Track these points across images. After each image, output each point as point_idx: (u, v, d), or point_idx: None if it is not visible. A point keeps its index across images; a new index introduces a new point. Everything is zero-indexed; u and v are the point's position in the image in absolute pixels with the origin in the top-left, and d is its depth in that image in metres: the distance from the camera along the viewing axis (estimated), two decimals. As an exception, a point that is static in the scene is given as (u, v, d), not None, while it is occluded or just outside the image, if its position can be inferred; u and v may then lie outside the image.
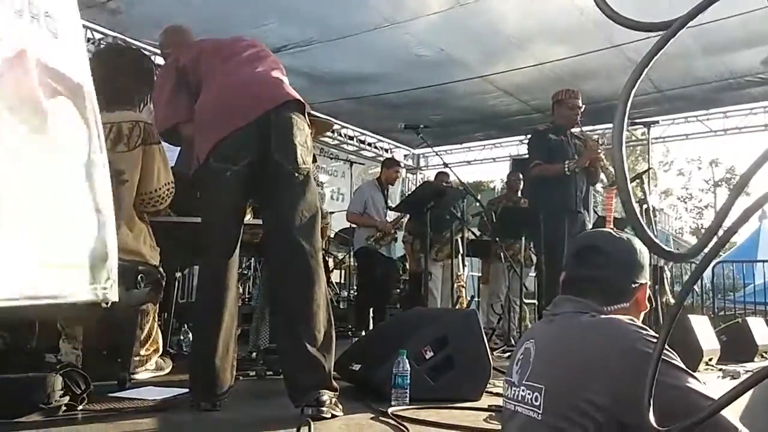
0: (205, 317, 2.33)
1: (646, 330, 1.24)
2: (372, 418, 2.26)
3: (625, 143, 0.79)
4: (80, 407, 2.11)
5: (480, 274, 6.96)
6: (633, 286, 1.38)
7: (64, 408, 2.05)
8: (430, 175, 7.26)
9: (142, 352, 2.85)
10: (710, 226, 0.78)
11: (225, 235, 2.32)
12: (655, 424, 0.80)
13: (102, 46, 4.94)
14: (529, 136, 5.61)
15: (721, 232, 0.75)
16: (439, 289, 6.11)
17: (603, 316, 1.32)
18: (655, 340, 1.17)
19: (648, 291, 1.42)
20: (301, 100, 2.42)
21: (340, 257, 7.41)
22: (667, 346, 1.11)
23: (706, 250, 0.79)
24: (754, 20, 5.52)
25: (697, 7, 0.77)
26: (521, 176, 6.67)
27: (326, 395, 2.13)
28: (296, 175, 2.27)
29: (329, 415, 2.10)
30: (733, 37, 5.92)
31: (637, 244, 1.42)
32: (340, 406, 2.20)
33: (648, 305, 1.42)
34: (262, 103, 2.30)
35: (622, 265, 1.38)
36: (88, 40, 6.40)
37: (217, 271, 2.31)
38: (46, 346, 2.91)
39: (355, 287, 6.43)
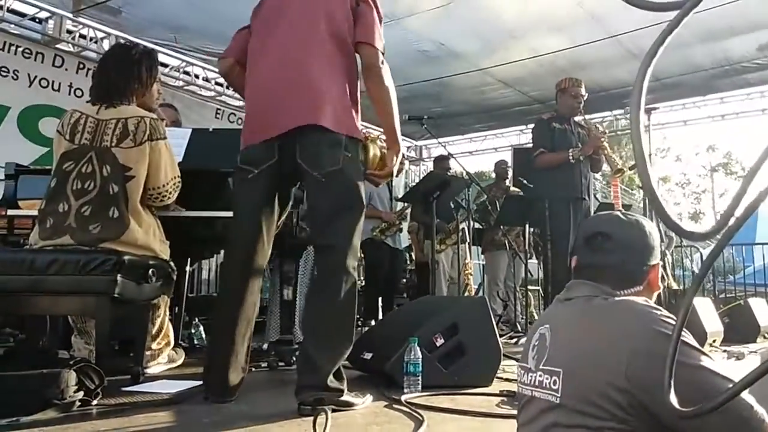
0: (222, 311, 2.36)
1: (661, 311, 1.25)
2: (386, 406, 2.28)
3: (643, 127, 0.81)
4: (94, 402, 2.12)
5: (485, 263, 6.99)
6: (645, 268, 1.39)
7: (78, 403, 2.05)
8: (432, 165, 7.27)
9: (154, 346, 2.87)
10: (727, 208, 0.80)
11: (245, 234, 2.34)
12: (677, 404, 0.82)
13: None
14: (529, 126, 5.64)
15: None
16: (445, 277, 6.14)
17: (619, 299, 1.34)
18: (672, 321, 1.19)
19: (660, 270, 1.43)
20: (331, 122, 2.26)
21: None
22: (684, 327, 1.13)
23: (723, 231, 0.81)
24: (749, 6, 5.54)
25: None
26: (508, 164, 6.70)
27: (322, 395, 2.10)
28: (322, 179, 2.22)
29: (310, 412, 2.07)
30: (729, 23, 5.94)
31: (647, 226, 1.43)
32: (352, 401, 2.21)
33: (661, 285, 1.44)
34: (282, 122, 2.25)
35: (633, 249, 1.39)
36: (91, 39, 6.42)
37: (236, 267, 2.34)
38: (59, 343, 2.94)
39: (362, 278, 6.45)
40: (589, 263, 1.42)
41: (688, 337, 1.21)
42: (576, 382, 1.24)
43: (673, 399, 0.82)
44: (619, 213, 1.52)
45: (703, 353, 1.20)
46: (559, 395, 1.26)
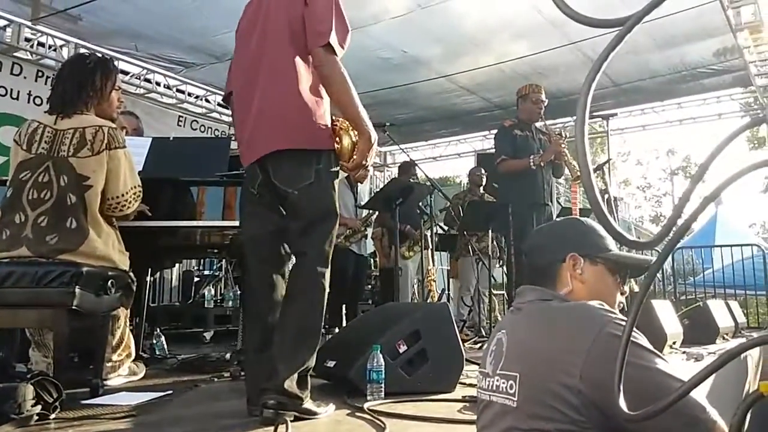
0: (246, 324, 2.45)
1: (614, 313, 1.28)
2: (348, 414, 2.29)
3: (587, 135, 0.84)
4: (53, 416, 2.08)
5: (449, 268, 7.04)
6: (552, 264, 1.42)
7: (36, 417, 2.02)
8: (397, 172, 7.30)
9: (115, 358, 2.83)
10: (671, 215, 0.82)
11: (254, 249, 2.37)
12: (625, 408, 0.84)
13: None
14: (492, 131, 5.72)
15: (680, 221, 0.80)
16: (410, 283, 6.16)
17: (573, 302, 1.37)
18: (623, 323, 1.21)
19: (580, 260, 1.41)
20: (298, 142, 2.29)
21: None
22: (635, 329, 1.16)
23: (668, 238, 0.84)
24: (705, 13, 5.71)
25: (651, 3, 0.82)
26: (483, 171, 6.78)
27: (276, 399, 2.08)
28: (295, 193, 2.25)
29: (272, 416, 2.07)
30: (685, 30, 6.11)
31: (560, 225, 1.49)
32: (312, 408, 2.20)
33: (584, 281, 1.41)
34: (256, 151, 2.31)
35: (535, 250, 1.46)
36: (49, 46, 6.30)
37: (254, 277, 2.37)
38: (16, 356, 2.87)
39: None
40: (530, 269, 1.49)
41: (641, 339, 1.24)
42: (531, 385, 1.26)
43: (623, 403, 0.84)
44: (550, 222, 1.58)
45: (657, 355, 1.22)
46: (515, 399, 1.28)
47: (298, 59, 2.29)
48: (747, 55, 6.65)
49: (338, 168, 2.37)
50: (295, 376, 2.15)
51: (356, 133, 2.33)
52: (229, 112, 8.06)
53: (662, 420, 1.11)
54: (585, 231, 1.45)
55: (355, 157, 2.32)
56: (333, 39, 2.24)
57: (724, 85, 7.95)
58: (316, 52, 2.25)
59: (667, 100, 8.60)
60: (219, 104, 8.14)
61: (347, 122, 2.36)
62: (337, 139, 2.35)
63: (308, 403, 2.20)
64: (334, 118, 2.38)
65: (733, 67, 7.23)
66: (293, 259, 2.37)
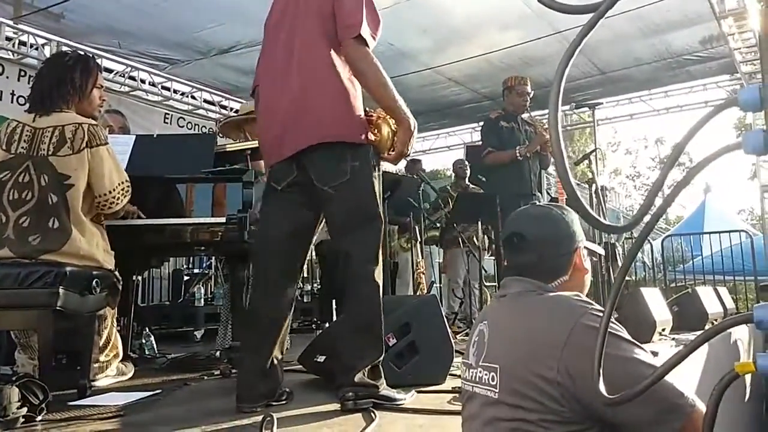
0: (250, 323, 2.35)
1: (592, 304, 1.29)
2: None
3: (561, 124, 0.84)
4: (39, 418, 2.06)
5: (441, 261, 7.05)
6: (564, 258, 1.42)
7: (22, 420, 2.00)
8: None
9: (102, 359, 2.81)
10: (645, 200, 0.82)
11: (270, 243, 2.34)
12: (605, 392, 0.84)
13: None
14: (481, 123, 5.72)
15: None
16: (409, 277, 6.15)
17: (551, 294, 1.37)
18: (601, 314, 1.22)
19: (584, 251, 1.45)
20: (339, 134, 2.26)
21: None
22: (613, 319, 1.16)
23: (645, 221, 0.84)
24: (689, 1, 5.72)
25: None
26: (466, 163, 6.79)
27: (353, 391, 2.17)
28: (332, 192, 2.23)
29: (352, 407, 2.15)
30: (669, 18, 6.12)
31: (558, 215, 1.47)
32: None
33: (588, 268, 1.46)
34: (289, 147, 2.27)
35: (546, 243, 1.42)
36: (31, 45, 6.24)
37: (263, 274, 2.35)
38: (1, 359, 2.85)
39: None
40: (513, 263, 1.46)
41: (619, 330, 1.24)
42: (512, 377, 1.26)
43: (602, 386, 0.85)
44: (532, 208, 1.56)
45: (634, 344, 1.23)
46: (497, 390, 1.28)
47: (330, 52, 2.27)
48: (732, 43, 6.68)
49: (376, 161, 2.36)
50: (366, 369, 2.21)
51: (394, 122, 2.32)
52: (215, 108, 8.16)
53: (640, 406, 1.12)
54: (575, 219, 1.46)
55: (396, 146, 2.32)
56: (364, 30, 2.22)
57: (710, 72, 7.99)
58: (348, 44, 2.23)
59: (654, 88, 8.64)
60: (206, 101, 8.09)
61: (384, 112, 2.34)
62: (375, 130, 2.34)
63: (385, 390, 2.25)
64: (368, 109, 2.36)
65: (718, 55, 7.26)
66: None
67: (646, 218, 0.82)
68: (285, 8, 2.40)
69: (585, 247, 1.45)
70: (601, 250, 1.77)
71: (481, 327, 1.43)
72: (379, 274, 2.29)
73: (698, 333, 4.29)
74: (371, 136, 2.32)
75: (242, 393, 2.23)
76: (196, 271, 6.65)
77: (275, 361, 2.30)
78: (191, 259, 6.87)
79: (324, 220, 2.40)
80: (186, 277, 6.39)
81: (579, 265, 1.43)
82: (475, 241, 5.74)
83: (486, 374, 1.32)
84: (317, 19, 2.29)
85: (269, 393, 2.27)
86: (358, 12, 2.24)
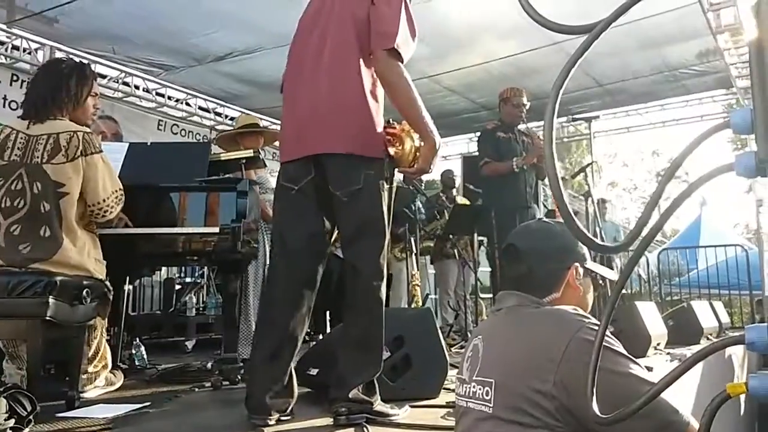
0: (267, 334, 2.28)
1: (588, 318, 1.28)
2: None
3: (554, 141, 0.82)
4: (26, 430, 2.02)
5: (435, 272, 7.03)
6: (556, 273, 1.42)
7: (9, 432, 1.98)
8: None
9: (91, 369, 2.77)
10: (639, 220, 0.81)
11: (288, 246, 2.29)
12: (597, 411, 0.83)
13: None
14: (477, 133, 5.75)
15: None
16: (404, 287, 6.12)
17: (547, 307, 1.36)
18: (597, 328, 1.21)
19: (581, 270, 1.44)
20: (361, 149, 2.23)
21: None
22: (608, 333, 1.15)
23: (640, 238, 0.83)
24: (686, 15, 5.74)
25: (616, 12, 0.80)
26: (454, 173, 6.90)
27: (346, 407, 2.15)
28: (344, 199, 2.20)
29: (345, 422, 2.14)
30: (666, 32, 6.14)
31: (556, 231, 1.46)
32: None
33: (582, 288, 1.45)
34: (309, 147, 2.24)
35: (538, 257, 1.43)
36: (24, 50, 6.21)
37: (281, 279, 2.30)
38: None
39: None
40: (508, 275, 1.47)
41: (615, 344, 1.24)
42: (507, 391, 1.25)
43: (595, 406, 0.84)
44: (534, 223, 1.56)
45: (631, 360, 1.22)
46: (491, 405, 1.27)
47: (360, 60, 2.24)
48: (728, 58, 6.70)
49: (390, 174, 2.34)
50: (361, 385, 2.19)
51: (418, 137, 2.30)
52: (210, 115, 8.13)
53: (635, 423, 1.11)
54: (566, 238, 1.45)
55: (418, 162, 2.29)
56: (400, 42, 2.18)
57: (706, 86, 8.00)
58: (380, 54, 2.19)
59: (651, 101, 8.66)
60: (201, 107, 8.07)
61: (408, 126, 2.32)
62: (398, 143, 2.32)
63: (379, 406, 2.22)
64: (392, 121, 2.34)
65: (714, 69, 7.28)
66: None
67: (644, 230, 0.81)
68: (320, 8, 2.37)
69: (590, 269, 1.44)
70: (613, 276, 1.74)
71: (476, 342, 1.42)
72: (384, 291, 2.27)
73: (693, 347, 4.29)
74: (393, 150, 2.30)
75: (256, 405, 2.16)
76: (188, 280, 6.61)
77: (292, 373, 2.26)
78: (183, 267, 6.83)
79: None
80: (178, 286, 6.35)
81: (572, 283, 1.41)
82: (469, 252, 5.74)
83: (480, 389, 1.31)
84: (352, 25, 2.24)
85: (283, 406, 2.21)
86: (394, 23, 2.19)
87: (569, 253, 1.43)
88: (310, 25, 2.39)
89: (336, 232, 2.41)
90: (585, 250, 1.45)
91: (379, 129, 2.27)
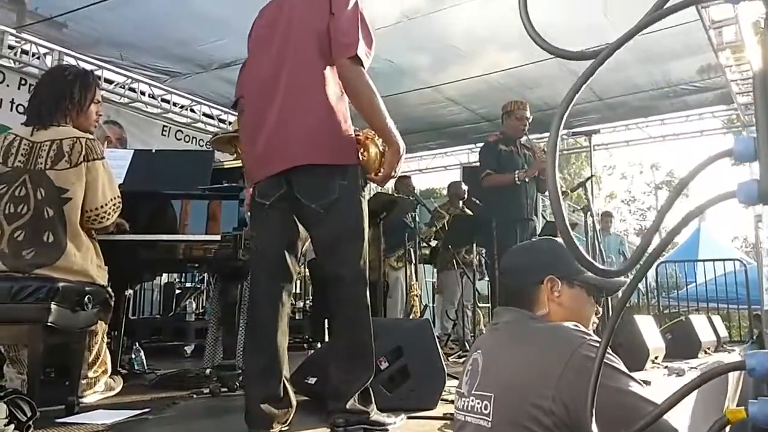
0: (258, 348, 2.29)
1: (589, 335, 1.29)
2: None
3: (557, 167, 0.84)
4: (26, 435, 2.04)
5: (434, 281, 7.04)
6: (532, 286, 1.43)
7: (9, 437, 1.98)
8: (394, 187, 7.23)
9: (91, 374, 2.78)
10: (640, 243, 0.83)
11: (266, 261, 2.31)
12: (596, 430, 0.84)
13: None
14: (478, 144, 5.77)
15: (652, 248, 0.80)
16: (401, 294, 6.13)
17: (549, 323, 1.37)
18: (597, 345, 1.22)
19: (558, 282, 1.43)
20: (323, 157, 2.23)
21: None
22: (609, 350, 1.16)
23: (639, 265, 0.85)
24: (688, 31, 5.78)
25: (621, 38, 0.83)
26: (463, 185, 6.83)
27: (343, 418, 2.16)
28: (321, 210, 2.20)
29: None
30: (668, 48, 6.18)
31: (538, 247, 1.49)
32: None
33: (562, 304, 1.43)
34: (278, 163, 2.24)
35: (518, 270, 1.47)
36: (33, 54, 6.25)
37: (263, 294, 2.31)
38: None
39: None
40: (504, 290, 1.51)
41: (616, 361, 1.25)
42: (506, 406, 1.26)
43: (595, 428, 0.85)
44: (528, 241, 1.59)
45: (631, 378, 1.23)
46: (490, 419, 1.28)
47: (324, 70, 2.26)
48: (729, 74, 6.74)
49: (364, 181, 2.34)
50: (357, 394, 2.19)
51: (382, 142, 2.32)
52: (214, 122, 8.15)
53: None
54: (562, 252, 1.45)
55: (383, 168, 2.30)
56: (361, 50, 2.21)
57: (707, 102, 8.04)
58: (343, 63, 2.22)
59: (651, 116, 8.69)
60: (205, 114, 8.11)
61: (372, 132, 2.34)
62: (363, 150, 2.33)
63: (375, 416, 2.23)
64: (356, 129, 2.35)
65: (715, 85, 7.32)
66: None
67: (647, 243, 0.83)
68: (274, 22, 2.38)
69: (578, 282, 1.44)
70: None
71: (475, 356, 1.43)
72: (368, 295, 2.28)
73: (691, 361, 4.26)
74: (359, 156, 2.32)
75: (255, 418, 2.16)
76: (188, 284, 6.62)
77: (286, 383, 2.27)
78: (183, 272, 6.84)
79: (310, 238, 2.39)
80: (178, 291, 6.36)
81: (551, 297, 1.42)
82: (469, 261, 5.75)
83: (479, 403, 1.32)
84: (314, 37, 2.27)
85: (284, 417, 2.22)
86: (354, 31, 2.23)
87: (545, 266, 1.44)
88: (265, 39, 2.39)
89: (309, 241, 2.42)
90: (573, 264, 1.45)
91: (351, 135, 2.29)
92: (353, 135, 2.31)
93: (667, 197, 0.83)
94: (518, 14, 0.90)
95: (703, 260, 9.62)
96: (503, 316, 1.44)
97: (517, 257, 1.53)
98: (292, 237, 2.33)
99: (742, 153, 0.72)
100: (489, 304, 6.46)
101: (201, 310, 5.86)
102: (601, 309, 1.52)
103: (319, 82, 2.24)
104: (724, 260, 9.11)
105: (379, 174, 2.33)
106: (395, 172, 2.31)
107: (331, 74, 2.27)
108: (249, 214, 2.76)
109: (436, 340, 2.89)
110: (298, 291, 7.81)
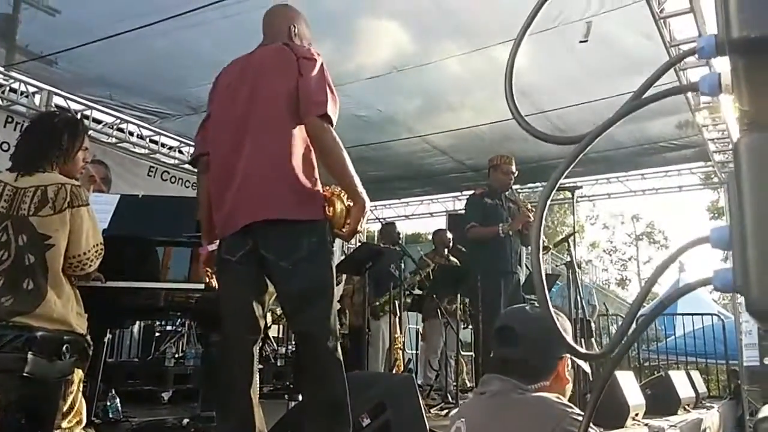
0: (232, 404, 2.28)
1: (572, 408, 1.30)
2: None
3: (542, 252, 0.87)
4: (-5, 489, 1.99)
5: (420, 328, 7.02)
6: (549, 363, 1.44)
7: (-23, 491, 1.93)
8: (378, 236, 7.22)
9: (64, 425, 2.70)
10: (621, 326, 0.86)
11: (235, 322, 2.31)
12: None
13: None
14: (464, 192, 5.84)
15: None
16: (382, 344, 6.08)
17: (532, 395, 1.38)
18: (580, 419, 1.23)
19: (569, 362, 1.48)
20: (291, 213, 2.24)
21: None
22: (592, 425, 1.17)
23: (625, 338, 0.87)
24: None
25: (602, 125, 0.87)
26: (448, 234, 6.90)
27: None
28: (289, 267, 2.20)
29: None
30: (648, 107, 6.28)
31: (544, 317, 1.50)
32: None
33: (569, 379, 1.48)
34: (242, 218, 2.26)
35: (536, 345, 1.44)
36: (21, 93, 6.26)
37: (227, 351, 2.32)
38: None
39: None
40: (500, 356, 1.48)
41: (596, 434, 1.25)
42: None
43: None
44: (528, 307, 1.58)
45: None
46: None
47: (292, 129, 2.29)
48: (706, 133, 6.94)
49: (332, 237, 2.35)
50: None
51: (347, 198, 2.34)
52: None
53: None
54: (567, 329, 1.49)
55: (348, 224, 2.32)
56: (330, 109, 2.27)
57: (685, 159, 8.28)
58: (313, 121, 2.26)
59: (632, 171, 8.90)
60: (189, 162, 8.12)
61: (338, 188, 2.36)
62: (329, 206, 2.34)
63: None
64: (322, 184, 2.38)
65: (692, 143, 7.54)
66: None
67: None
68: (241, 78, 2.41)
69: (575, 362, 1.48)
70: (587, 368, 1.78)
71: (459, 424, 1.43)
72: (340, 351, 2.26)
73: (671, 418, 4.27)
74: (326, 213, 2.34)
75: None
76: (168, 328, 6.52)
77: None
78: (164, 315, 6.74)
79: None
80: (157, 334, 6.26)
81: (561, 374, 1.44)
82: (452, 311, 5.74)
83: None
84: (283, 95, 2.30)
85: None
86: (323, 91, 2.29)
87: (559, 343, 1.46)
88: (230, 94, 2.42)
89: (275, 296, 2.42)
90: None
91: (318, 190, 2.32)
92: (321, 191, 2.34)
93: (647, 280, 0.86)
94: (499, 74, 0.95)
95: (682, 314, 9.69)
96: (491, 385, 1.44)
97: (536, 328, 1.46)
98: (260, 291, 2.32)
99: (718, 241, 0.75)
100: (472, 353, 6.43)
101: (180, 355, 5.76)
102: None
103: (287, 138, 2.28)
104: (702, 314, 9.20)
105: (344, 230, 2.35)
106: (361, 227, 2.32)
107: (298, 132, 2.31)
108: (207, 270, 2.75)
109: (419, 395, 2.86)
110: (279, 335, 7.74)
